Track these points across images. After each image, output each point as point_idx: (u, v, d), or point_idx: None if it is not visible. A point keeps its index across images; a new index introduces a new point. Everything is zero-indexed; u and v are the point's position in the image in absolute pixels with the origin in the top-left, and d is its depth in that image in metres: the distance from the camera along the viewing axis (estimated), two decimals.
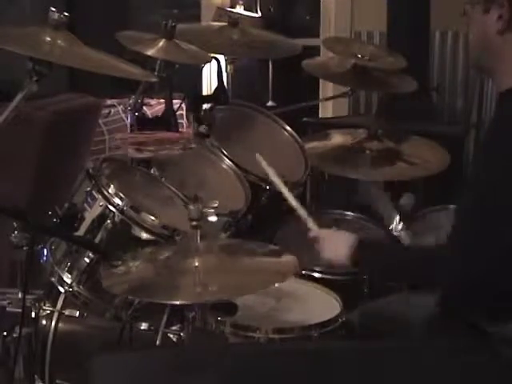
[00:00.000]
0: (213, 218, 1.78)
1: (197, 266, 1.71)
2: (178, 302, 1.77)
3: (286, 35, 3.26)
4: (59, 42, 1.88)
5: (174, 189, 2.22)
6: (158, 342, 2.03)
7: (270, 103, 4.47)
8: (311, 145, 2.87)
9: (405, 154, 2.90)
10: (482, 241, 1.68)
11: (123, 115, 3.81)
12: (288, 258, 1.82)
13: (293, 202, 2.21)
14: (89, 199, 2.02)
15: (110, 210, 1.97)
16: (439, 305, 1.85)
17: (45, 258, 2.04)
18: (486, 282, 1.69)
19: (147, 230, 1.96)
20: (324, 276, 2.35)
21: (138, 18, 5.09)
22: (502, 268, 1.68)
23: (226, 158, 2.45)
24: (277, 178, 2.27)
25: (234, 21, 2.92)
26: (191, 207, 1.74)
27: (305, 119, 3.85)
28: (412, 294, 2.27)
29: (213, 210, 1.78)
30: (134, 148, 2.27)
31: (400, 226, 2.51)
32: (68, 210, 2.03)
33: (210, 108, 2.62)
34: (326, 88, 4.47)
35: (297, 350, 1.83)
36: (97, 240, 1.99)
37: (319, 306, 2.16)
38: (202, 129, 2.46)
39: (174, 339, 2.03)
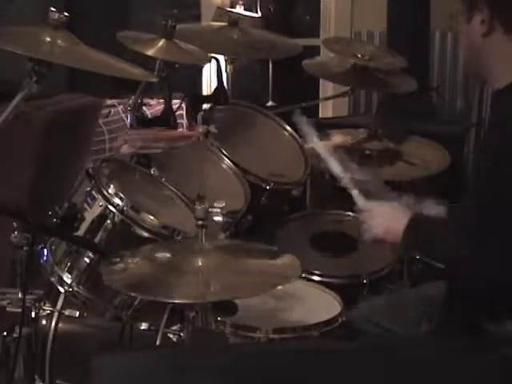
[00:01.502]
0: (218, 218, 1.78)
1: (200, 266, 1.71)
2: (180, 301, 1.78)
3: (286, 35, 3.26)
4: (59, 41, 1.88)
5: (174, 189, 2.22)
6: (158, 342, 2.03)
7: (269, 103, 4.46)
8: (311, 145, 2.87)
9: (405, 153, 2.91)
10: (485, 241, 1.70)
11: (123, 115, 3.80)
12: (290, 260, 1.82)
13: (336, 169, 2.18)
14: (89, 199, 2.02)
15: (110, 210, 1.97)
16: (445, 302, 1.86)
17: (45, 258, 2.04)
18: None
19: (147, 230, 1.96)
20: (324, 279, 2.35)
21: (138, 18, 5.09)
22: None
23: (225, 158, 2.45)
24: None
25: (234, 21, 2.92)
26: (197, 207, 1.74)
27: None
28: (412, 294, 2.28)
29: (219, 210, 1.77)
30: (138, 145, 2.27)
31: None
32: (68, 209, 2.03)
33: (210, 108, 2.62)
34: (326, 88, 4.47)
35: (297, 349, 1.83)
36: (97, 240, 1.99)
37: (319, 306, 2.16)
38: (212, 128, 2.46)
39: (174, 339, 2.03)
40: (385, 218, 1.95)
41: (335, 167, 2.20)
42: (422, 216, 1.92)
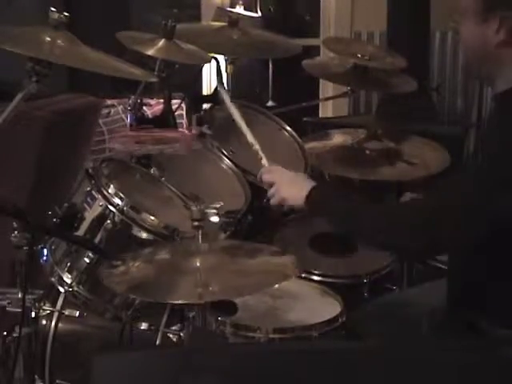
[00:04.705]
0: (215, 219, 1.78)
1: (198, 267, 1.71)
2: (178, 302, 1.78)
3: (286, 35, 3.26)
4: (59, 41, 1.88)
5: (174, 189, 2.22)
6: (158, 342, 2.03)
7: (269, 103, 4.48)
8: (311, 145, 2.87)
9: (405, 153, 2.90)
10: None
11: (123, 115, 3.81)
12: (288, 259, 1.82)
13: (248, 136, 2.30)
14: (88, 199, 2.02)
15: (110, 210, 1.97)
16: (445, 303, 1.86)
17: (45, 258, 2.04)
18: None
19: (147, 230, 1.96)
20: (324, 279, 2.35)
21: (138, 18, 5.10)
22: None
23: (225, 158, 2.45)
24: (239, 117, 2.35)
25: (234, 21, 2.91)
26: (193, 208, 1.74)
27: (305, 119, 3.85)
28: (412, 294, 2.28)
29: (215, 211, 1.77)
30: (136, 144, 2.27)
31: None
32: (68, 209, 2.03)
33: (210, 108, 2.62)
34: (326, 88, 4.48)
35: (297, 349, 1.83)
36: (97, 240, 1.99)
37: (319, 306, 2.16)
38: (205, 129, 2.46)
39: (174, 339, 2.03)
40: (288, 183, 2.04)
41: (248, 134, 2.32)
42: (324, 188, 2.03)
